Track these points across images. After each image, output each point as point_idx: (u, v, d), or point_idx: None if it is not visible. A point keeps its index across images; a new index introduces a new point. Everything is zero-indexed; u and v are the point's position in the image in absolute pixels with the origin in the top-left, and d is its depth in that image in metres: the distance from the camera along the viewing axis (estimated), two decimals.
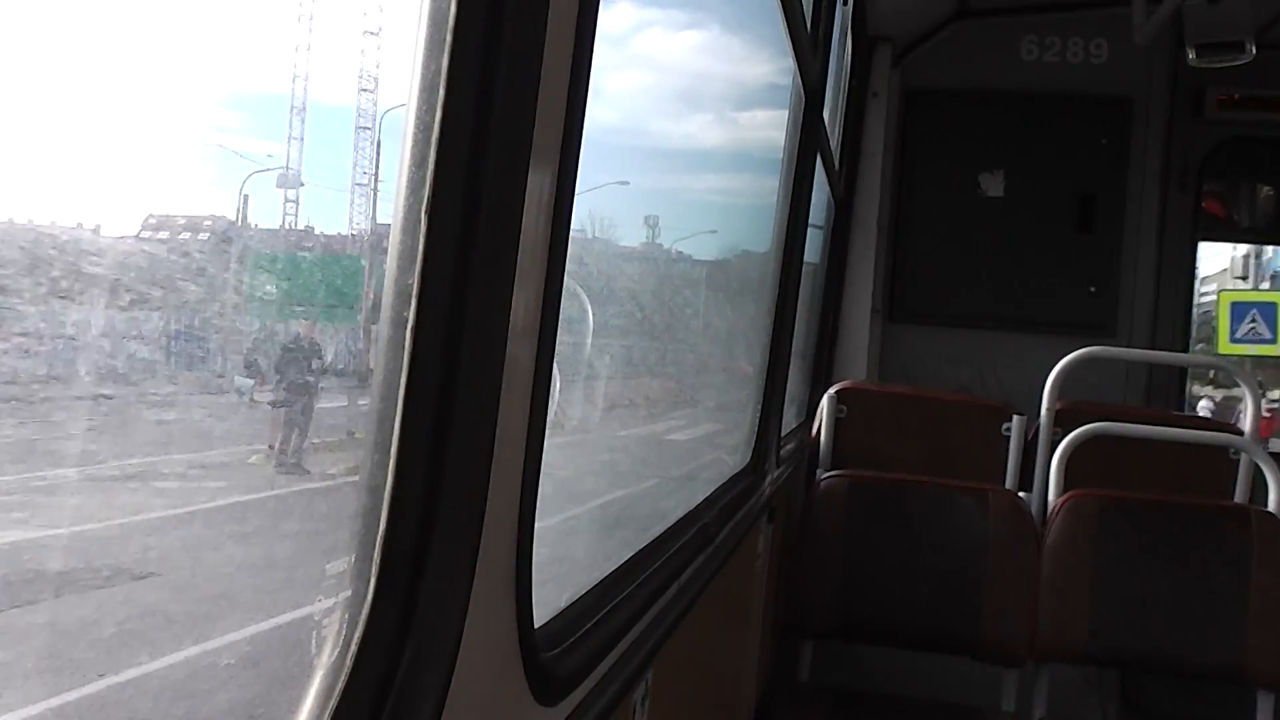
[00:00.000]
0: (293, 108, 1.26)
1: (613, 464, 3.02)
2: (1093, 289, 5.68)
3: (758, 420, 3.50)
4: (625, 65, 2.67)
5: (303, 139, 1.29)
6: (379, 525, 0.93)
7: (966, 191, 5.76)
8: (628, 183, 2.76)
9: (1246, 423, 4.42)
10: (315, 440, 1.36)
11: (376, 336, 0.94)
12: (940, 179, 5.82)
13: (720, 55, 3.45)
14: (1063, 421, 4.38)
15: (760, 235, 3.68)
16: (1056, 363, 4.49)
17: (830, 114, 4.85)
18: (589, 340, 2.38)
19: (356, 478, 0.94)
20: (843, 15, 4.29)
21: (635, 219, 2.90)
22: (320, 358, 1.27)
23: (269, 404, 1.26)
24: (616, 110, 2.48)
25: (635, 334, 2.95)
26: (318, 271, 1.34)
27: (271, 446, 1.35)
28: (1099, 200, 5.68)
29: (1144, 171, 5.69)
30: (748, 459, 3.39)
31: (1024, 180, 5.74)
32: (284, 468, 1.36)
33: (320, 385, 1.30)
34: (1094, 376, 5.06)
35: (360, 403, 1.36)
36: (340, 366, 1.32)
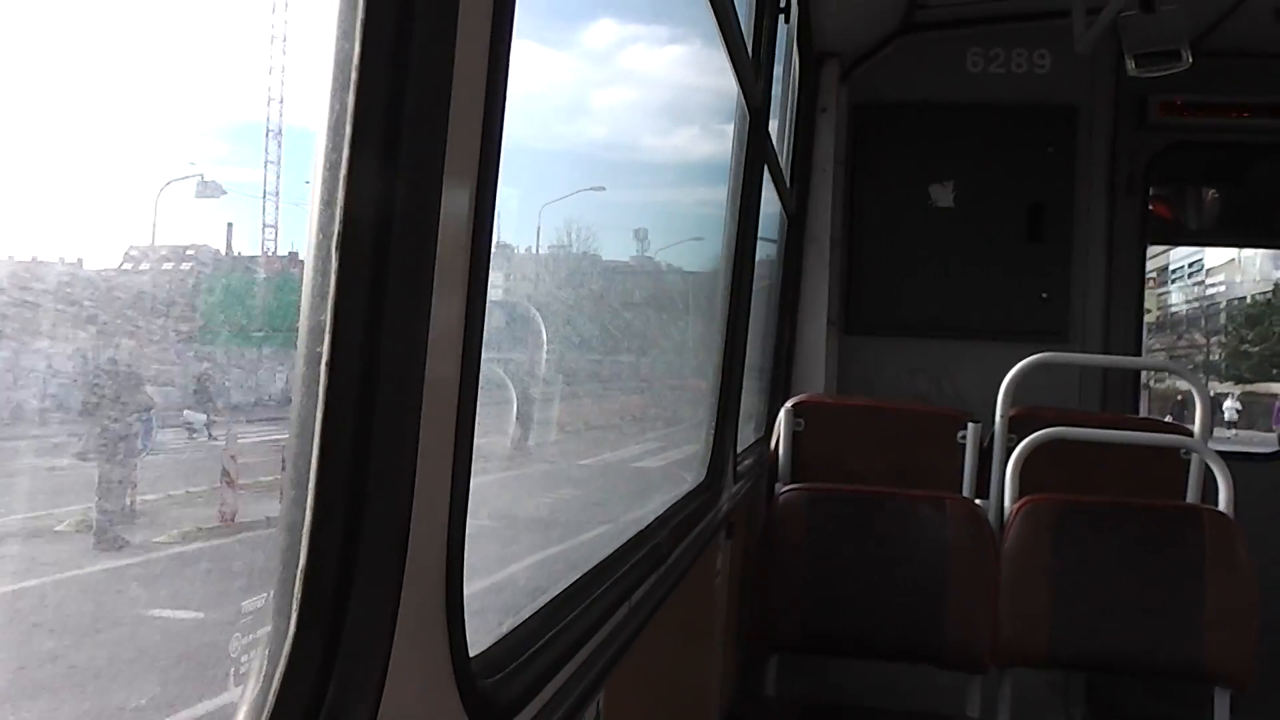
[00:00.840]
0: (268, 131, 1.25)
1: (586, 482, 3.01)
2: (1044, 295, 5.75)
3: (713, 435, 3.50)
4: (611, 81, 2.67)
5: (279, 162, 1.27)
6: (299, 555, 0.93)
7: (918, 203, 5.81)
8: (604, 188, 2.76)
9: (1196, 424, 4.47)
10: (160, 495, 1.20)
11: (291, 367, 0.94)
12: (891, 191, 5.87)
13: (699, 68, 3.46)
14: (1019, 428, 4.42)
15: (716, 249, 3.70)
16: (1011, 369, 4.53)
17: (780, 130, 4.89)
18: (544, 358, 2.38)
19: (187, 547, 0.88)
20: (786, 32, 4.32)
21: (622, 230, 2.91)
22: (142, 389, 1.10)
23: (76, 455, 1.06)
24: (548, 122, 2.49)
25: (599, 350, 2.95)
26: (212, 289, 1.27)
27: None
28: (1048, 208, 5.75)
29: (1091, 178, 5.77)
30: (703, 475, 3.40)
31: (974, 190, 5.80)
32: (104, 538, 1.14)
33: (145, 422, 1.12)
34: (1050, 382, 5.11)
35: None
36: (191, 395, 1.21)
